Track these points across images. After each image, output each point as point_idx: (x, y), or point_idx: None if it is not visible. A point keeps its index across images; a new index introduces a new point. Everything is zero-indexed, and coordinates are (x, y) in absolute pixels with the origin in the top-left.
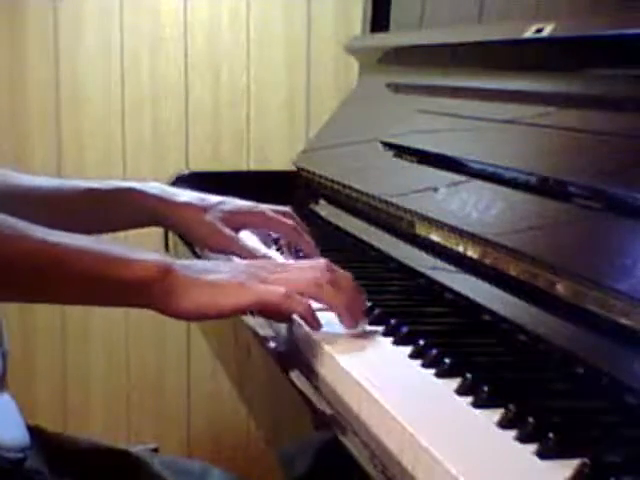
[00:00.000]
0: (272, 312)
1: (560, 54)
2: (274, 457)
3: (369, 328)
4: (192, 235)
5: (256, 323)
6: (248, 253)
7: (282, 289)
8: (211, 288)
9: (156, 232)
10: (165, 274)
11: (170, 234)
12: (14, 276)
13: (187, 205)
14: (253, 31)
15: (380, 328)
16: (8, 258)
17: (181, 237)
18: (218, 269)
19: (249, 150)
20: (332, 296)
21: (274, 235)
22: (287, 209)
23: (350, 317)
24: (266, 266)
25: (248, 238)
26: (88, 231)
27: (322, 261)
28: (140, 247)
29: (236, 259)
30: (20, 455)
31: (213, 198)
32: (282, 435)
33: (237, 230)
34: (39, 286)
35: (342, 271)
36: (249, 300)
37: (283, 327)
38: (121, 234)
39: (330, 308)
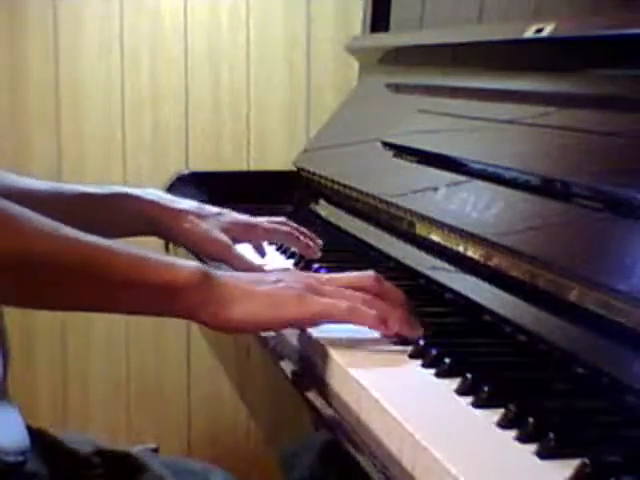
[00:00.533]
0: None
1: (560, 54)
2: (274, 457)
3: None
4: (188, 242)
5: None
6: (244, 263)
7: (345, 303)
8: (268, 298)
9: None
10: (208, 281)
11: None
12: (47, 274)
13: (184, 212)
14: (253, 31)
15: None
16: (42, 254)
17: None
18: (265, 279)
19: (249, 150)
20: (387, 310)
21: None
22: (283, 219)
23: (407, 327)
24: (313, 276)
25: (244, 249)
26: None
27: (370, 273)
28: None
29: (276, 270)
30: (20, 458)
31: (211, 208)
32: (282, 435)
33: (234, 243)
34: (64, 286)
35: (390, 284)
36: (312, 312)
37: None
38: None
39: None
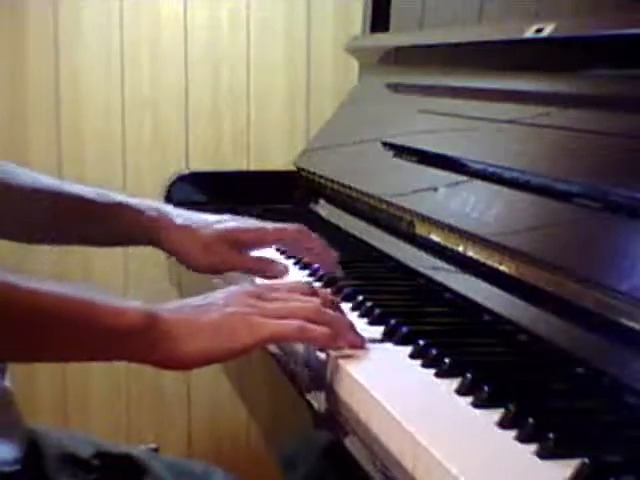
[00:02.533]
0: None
1: (560, 54)
2: (274, 457)
3: (370, 328)
4: (186, 258)
5: None
6: (250, 262)
7: (295, 323)
8: (216, 329)
9: None
10: (152, 322)
11: None
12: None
13: (182, 227)
14: (253, 31)
15: (380, 328)
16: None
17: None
18: (211, 306)
19: (249, 150)
20: (336, 320)
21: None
22: (300, 226)
23: (354, 335)
24: (257, 293)
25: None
26: (81, 242)
27: (302, 285)
28: (120, 296)
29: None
30: (15, 467)
31: (212, 218)
32: (282, 435)
33: (240, 250)
34: (25, 341)
35: (322, 290)
36: (263, 336)
37: None
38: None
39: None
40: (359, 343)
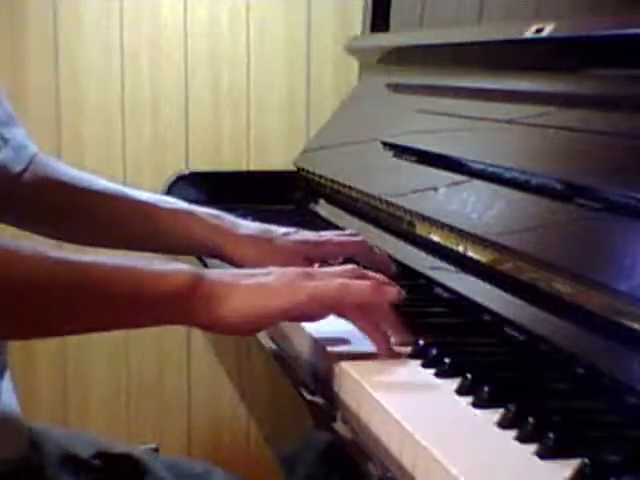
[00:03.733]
0: (327, 307)
1: (560, 54)
2: (274, 457)
3: None
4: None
5: None
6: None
7: (337, 281)
8: (256, 291)
9: None
10: (195, 284)
11: None
12: (37, 298)
13: (247, 238)
14: (253, 31)
15: None
16: (31, 279)
17: None
18: (256, 274)
19: (249, 150)
20: (386, 312)
21: None
22: (353, 231)
23: (404, 334)
24: (307, 270)
25: None
26: (138, 248)
27: (353, 268)
28: (162, 260)
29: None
30: (15, 468)
31: (277, 230)
32: (282, 435)
33: (311, 261)
34: (66, 309)
35: (373, 274)
36: (303, 297)
37: (282, 329)
38: None
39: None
40: (397, 298)
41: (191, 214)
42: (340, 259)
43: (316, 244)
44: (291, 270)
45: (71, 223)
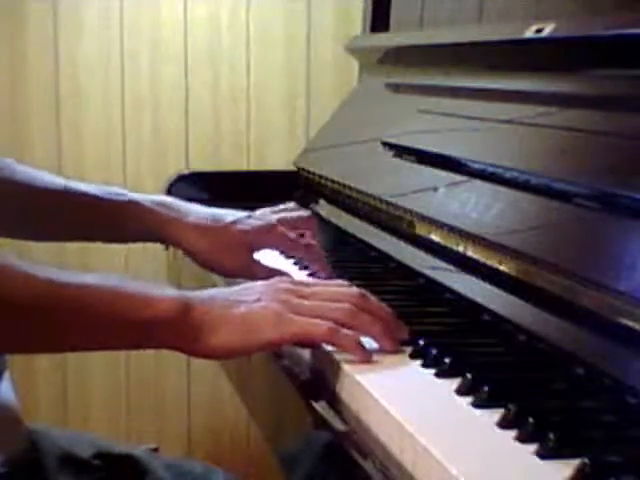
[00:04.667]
0: (311, 345)
1: (560, 54)
2: (274, 457)
3: None
4: (201, 258)
5: None
6: (262, 271)
7: (325, 324)
8: (243, 323)
9: None
10: (185, 312)
11: None
12: (21, 321)
13: (194, 225)
14: (253, 31)
15: None
16: (14, 302)
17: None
18: (243, 298)
19: (249, 150)
20: (369, 325)
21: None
22: (308, 213)
23: (390, 342)
24: (294, 289)
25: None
26: (89, 239)
27: (355, 290)
28: (152, 282)
29: (256, 282)
30: (15, 468)
31: (226, 217)
32: (282, 435)
33: (254, 250)
34: (50, 332)
35: (374, 298)
36: (290, 334)
37: None
38: None
39: (368, 335)
40: (392, 350)
41: (138, 204)
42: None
43: (264, 232)
44: (281, 295)
45: (24, 221)
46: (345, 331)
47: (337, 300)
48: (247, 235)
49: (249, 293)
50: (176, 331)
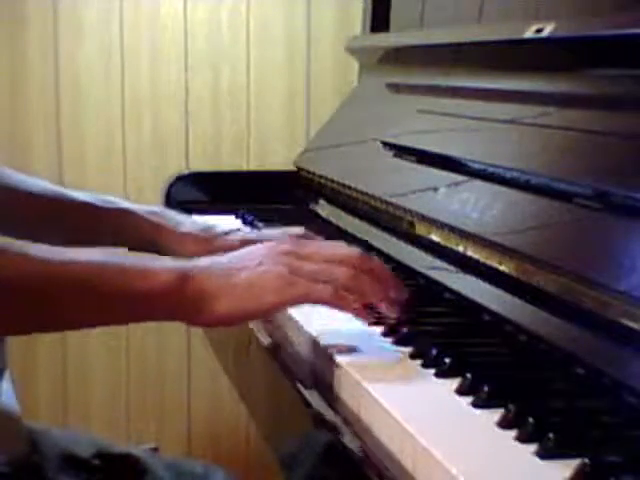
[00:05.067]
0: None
1: (560, 54)
2: (274, 457)
3: (368, 329)
4: None
5: (256, 326)
6: None
7: (328, 287)
8: (245, 288)
9: None
10: (184, 282)
11: None
12: (19, 303)
13: (187, 235)
14: (253, 31)
15: (380, 328)
16: (10, 284)
17: None
18: (243, 264)
19: (249, 150)
20: (370, 287)
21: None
22: (301, 230)
23: (391, 306)
24: (294, 251)
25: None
26: (84, 246)
27: (355, 250)
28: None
29: (257, 245)
30: (15, 468)
31: (218, 228)
32: (282, 435)
33: None
34: (54, 307)
35: (376, 259)
36: (293, 298)
37: (282, 328)
38: None
39: (370, 299)
40: (393, 313)
41: (132, 214)
42: None
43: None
44: (283, 258)
45: (23, 230)
46: (349, 297)
47: (338, 261)
48: (237, 246)
49: (250, 258)
50: (176, 302)
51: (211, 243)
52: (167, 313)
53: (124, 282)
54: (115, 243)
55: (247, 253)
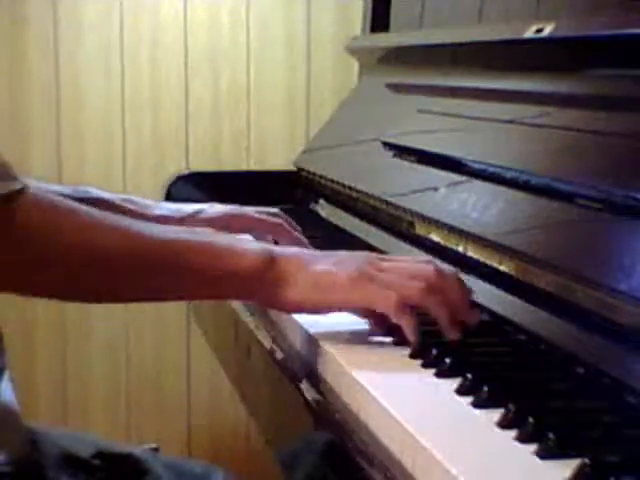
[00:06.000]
0: (374, 315)
1: (560, 54)
2: (274, 457)
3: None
4: None
5: (256, 326)
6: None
7: (394, 297)
8: (320, 280)
9: None
10: (269, 263)
11: None
12: (114, 273)
13: (161, 218)
14: (253, 31)
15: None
16: (109, 255)
17: None
18: (323, 259)
19: (249, 150)
20: (438, 309)
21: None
22: (275, 210)
23: (452, 330)
24: (374, 262)
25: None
26: None
27: (431, 266)
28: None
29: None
30: (15, 468)
31: (189, 207)
32: (282, 435)
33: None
34: (142, 277)
35: (450, 274)
36: (359, 299)
37: (282, 328)
38: None
39: (435, 318)
40: (452, 335)
41: (105, 201)
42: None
43: (234, 216)
44: (360, 264)
45: None
46: (409, 311)
47: (413, 277)
48: (210, 223)
49: (330, 256)
50: (259, 282)
51: (182, 223)
52: (248, 293)
53: (212, 259)
54: None
55: (329, 255)
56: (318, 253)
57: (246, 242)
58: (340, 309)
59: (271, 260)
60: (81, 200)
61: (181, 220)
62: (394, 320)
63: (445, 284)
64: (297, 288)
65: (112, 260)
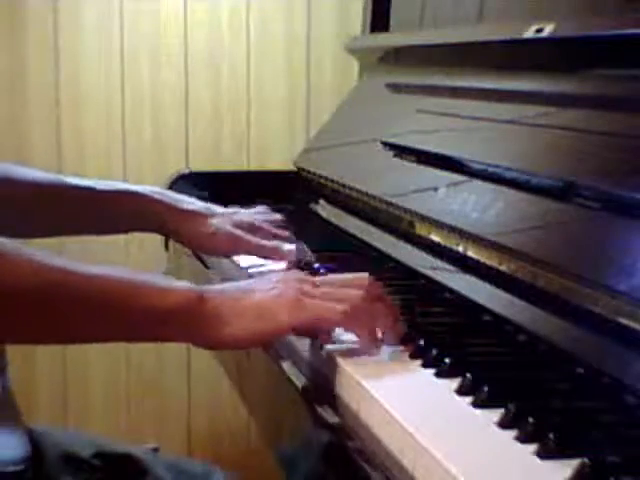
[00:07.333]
0: (323, 330)
1: (560, 54)
2: (274, 457)
3: None
4: (193, 244)
5: None
6: (257, 247)
7: (339, 308)
8: (257, 310)
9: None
10: (199, 303)
11: None
12: (29, 311)
13: (190, 213)
14: (253, 31)
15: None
16: (22, 291)
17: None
18: (256, 287)
19: (249, 150)
20: (380, 314)
21: None
22: (278, 215)
23: (395, 335)
24: (306, 279)
25: None
26: (86, 231)
27: (365, 275)
28: (164, 277)
29: (269, 274)
30: (20, 467)
31: (218, 208)
32: (282, 435)
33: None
34: (60, 323)
35: (385, 296)
36: (304, 318)
37: None
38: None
39: (376, 325)
40: (397, 341)
41: (135, 193)
42: None
43: (247, 230)
44: (295, 283)
45: (23, 219)
46: (360, 316)
47: (350, 285)
48: (233, 228)
49: (262, 283)
50: (191, 322)
51: (208, 221)
52: (180, 333)
53: (141, 300)
54: (113, 225)
55: (260, 280)
56: (246, 283)
57: (172, 281)
58: (287, 332)
59: (201, 298)
60: (107, 193)
61: (210, 216)
62: (348, 330)
63: (380, 290)
64: (236, 322)
65: (25, 296)
